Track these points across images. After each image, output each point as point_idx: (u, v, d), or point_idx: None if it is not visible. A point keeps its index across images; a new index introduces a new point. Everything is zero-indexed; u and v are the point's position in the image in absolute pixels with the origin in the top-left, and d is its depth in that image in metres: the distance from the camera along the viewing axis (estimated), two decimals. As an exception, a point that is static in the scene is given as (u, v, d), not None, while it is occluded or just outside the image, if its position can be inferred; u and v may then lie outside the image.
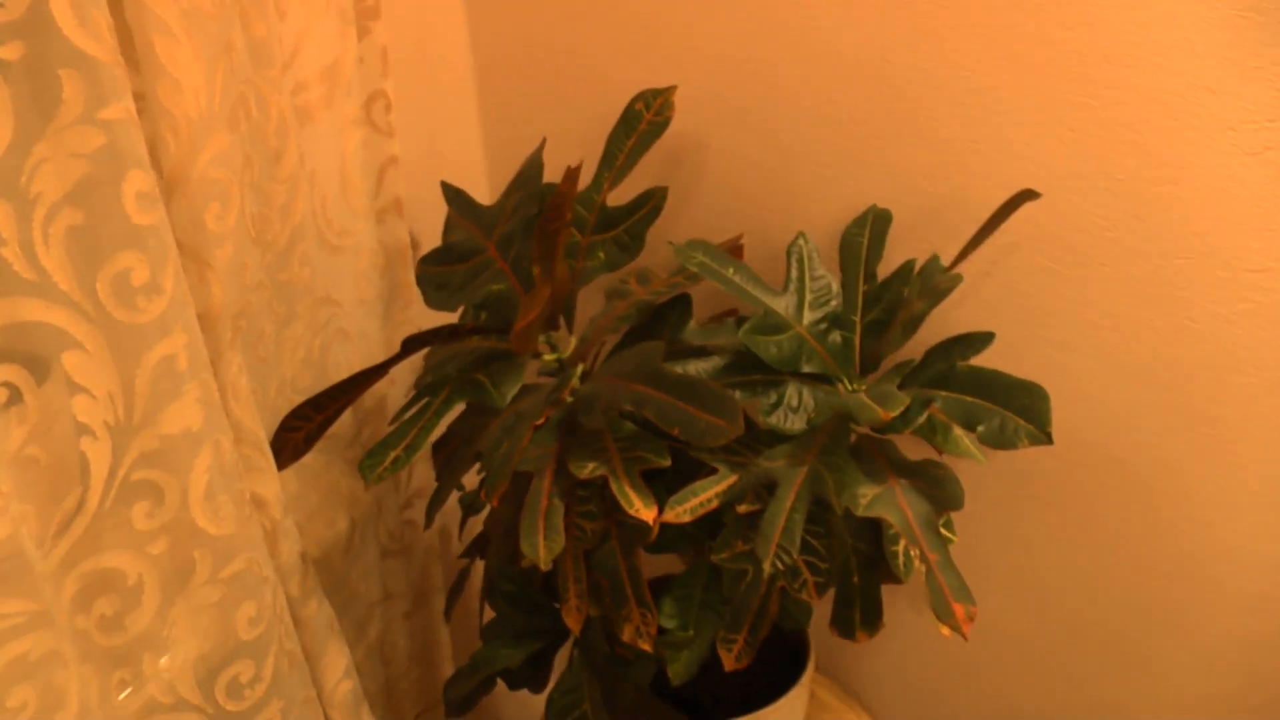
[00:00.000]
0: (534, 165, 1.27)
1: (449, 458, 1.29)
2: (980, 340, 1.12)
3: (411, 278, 1.29)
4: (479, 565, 1.42)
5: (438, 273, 1.31)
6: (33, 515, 0.82)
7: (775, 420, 1.15)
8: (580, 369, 1.27)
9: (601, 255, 1.24)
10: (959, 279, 1.06)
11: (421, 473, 1.39)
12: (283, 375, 1.12)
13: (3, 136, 0.74)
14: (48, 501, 0.84)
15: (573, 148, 1.45)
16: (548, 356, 1.23)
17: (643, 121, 1.21)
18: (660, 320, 1.29)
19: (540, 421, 1.10)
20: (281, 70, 1.02)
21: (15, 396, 0.80)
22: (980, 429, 1.05)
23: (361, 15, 1.14)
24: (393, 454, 1.08)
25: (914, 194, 1.29)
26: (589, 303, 1.42)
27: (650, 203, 1.22)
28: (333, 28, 1.07)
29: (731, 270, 1.19)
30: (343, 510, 1.23)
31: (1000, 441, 1.04)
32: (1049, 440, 1.02)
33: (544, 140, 1.33)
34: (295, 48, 1.03)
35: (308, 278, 1.11)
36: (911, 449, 1.14)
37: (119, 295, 0.83)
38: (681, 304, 1.28)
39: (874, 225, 1.26)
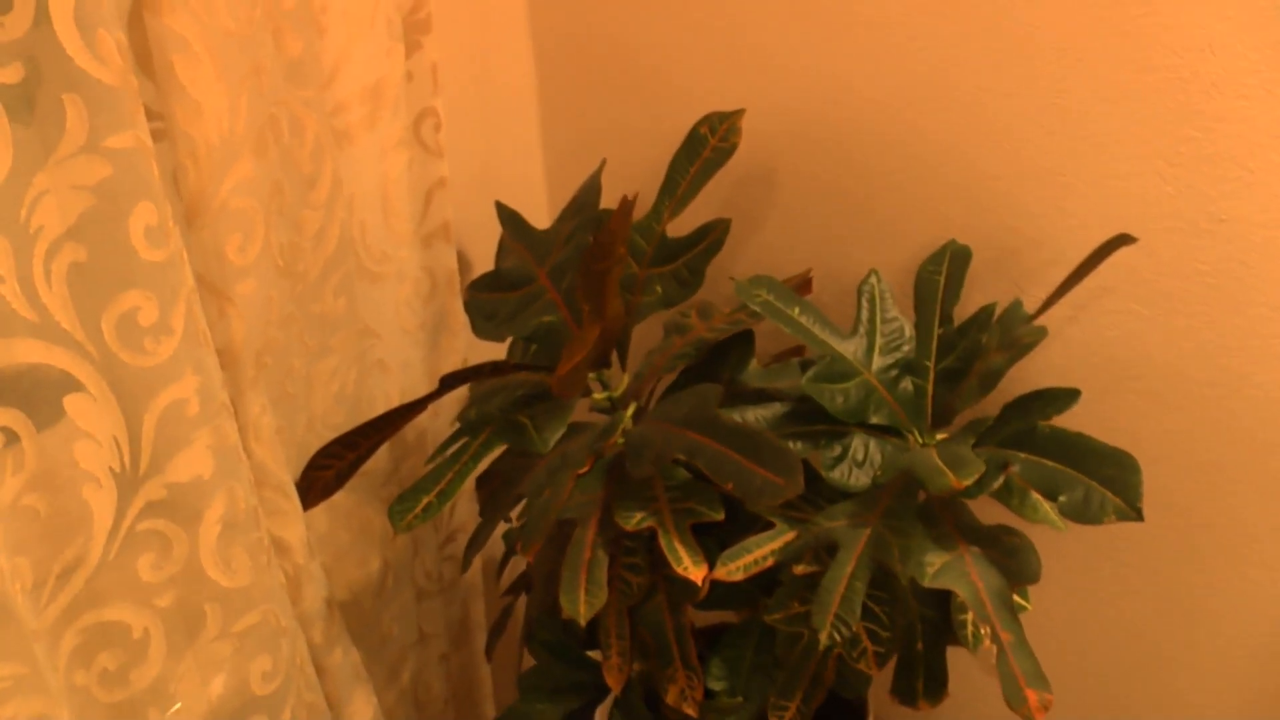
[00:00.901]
0: (591, 189, 1.20)
1: (492, 494, 1.22)
2: (1064, 398, 1.02)
3: (459, 305, 1.23)
4: (523, 600, 1.36)
5: (487, 300, 1.25)
6: (27, 568, 0.77)
7: (838, 476, 1.07)
8: (632, 409, 1.19)
9: (659, 290, 1.16)
10: (1043, 332, 0.96)
11: (464, 508, 1.33)
12: (313, 411, 1.06)
13: (1, 166, 0.68)
14: (46, 553, 0.78)
15: (637, 169, 1.37)
16: (598, 395, 1.16)
17: (707, 147, 1.13)
18: (720, 359, 1.21)
19: (584, 470, 1.03)
20: (319, 90, 0.96)
21: (12, 440, 0.74)
22: (1062, 499, 0.95)
23: (411, 30, 1.07)
24: (425, 500, 1.01)
25: (996, 230, 1.19)
26: (647, 334, 1.34)
27: (711, 235, 1.14)
28: (378, 44, 1.01)
29: (797, 310, 1.10)
30: (375, 550, 1.17)
31: (1084, 515, 0.94)
32: (1138, 517, 0.92)
33: (603, 162, 1.25)
34: (336, 66, 0.97)
35: (343, 309, 1.05)
36: (984, 509, 1.05)
37: (125, 336, 0.77)
38: (743, 342, 1.20)
39: (951, 263, 1.17)
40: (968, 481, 0.91)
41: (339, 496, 1.08)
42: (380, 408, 1.13)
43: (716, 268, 1.26)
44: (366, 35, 1.00)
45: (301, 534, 1.01)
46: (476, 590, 1.38)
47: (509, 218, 1.29)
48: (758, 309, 1.08)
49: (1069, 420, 1.02)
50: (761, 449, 1.00)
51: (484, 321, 1.24)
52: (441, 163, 1.14)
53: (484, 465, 1.03)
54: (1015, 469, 1.00)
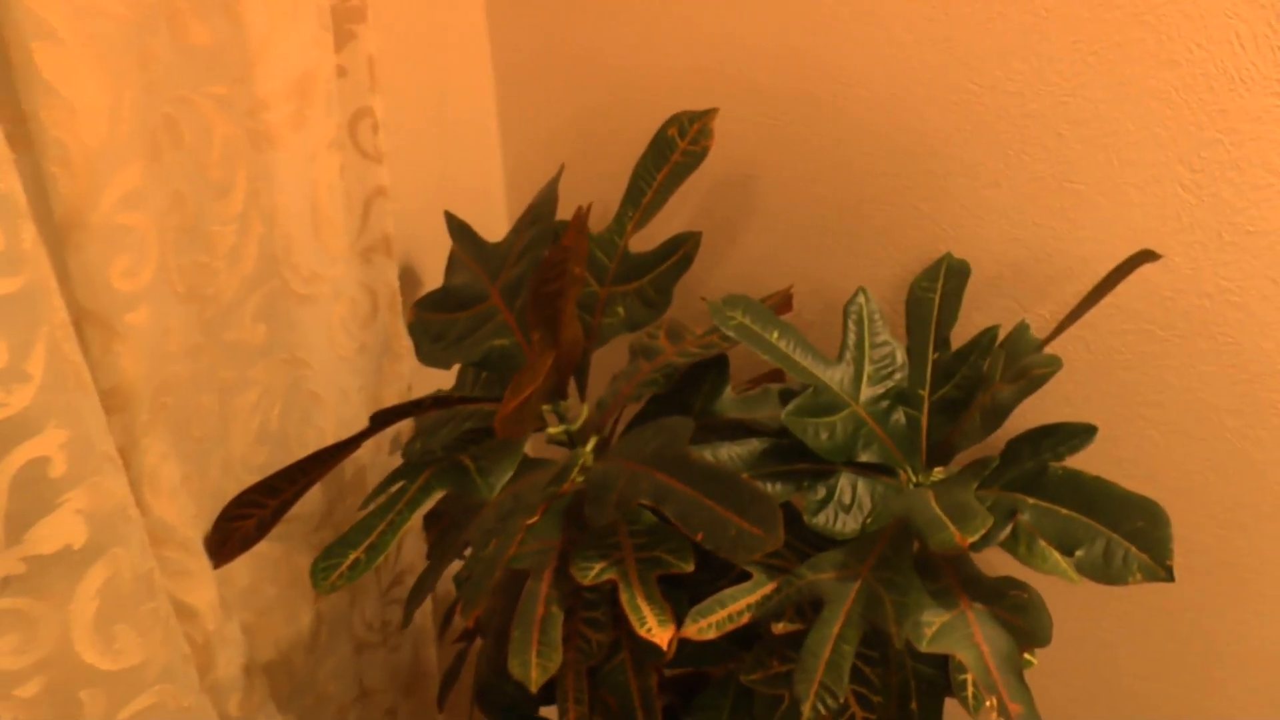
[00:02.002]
0: (547, 198, 1.08)
1: (441, 535, 1.10)
2: (1079, 435, 0.90)
3: (403, 327, 1.10)
4: (479, 645, 1.23)
5: (434, 321, 1.12)
6: None
7: (822, 521, 0.95)
8: (593, 443, 1.07)
9: (621, 311, 1.04)
10: (1057, 363, 0.85)
11: (412, 547, 1.20)
12: (230, 453, 0.93)
13: None
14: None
15: (607, 172, 1.24)
16: (553, 429, 1.03)
17: (676, 151, 1.01)
18: (692, 387, 1.09)
19: (533, 519, 0.91)
20: (233, 85, 0.84)
21: None
22: (1079, 554, 0.84)
23: (343, 18, 0.95)
24: (352, 555, 0.89)
25: (998, 243, 1.08)
26: (610, 357, 1.22)
27: (680, 250, 1.02)
28: (306, 31, 0.88)
29: (776, 334, 0.99)
30: (306, 603, 1.04)
31: (1105, 572, 0.83)
32: (1169, 576, 0.81)
33: (562, 168, 1.13)
34: (253, 57, 0.84)
35: (265, 335, 0.92)
36: (985, 554, 0.94)
37: (-37, 386, 0.64)
38: (717, 368, 1.08)
39: (948, 279, 1.05)
40: (974, 538, 0.79)
41: (263, 545, 0.95)
42: (313, 445, 1.01)
43: (687, 285, 1.14)
44: (291, 21, 0.88)
45: (210, 597, 0.89)
46: (427, 635, 1.26)
47: (459, 229, 1.16)
48: (731, 333, 0.96)
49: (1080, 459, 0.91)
50: (738, 495, 0.88)
51: (430, 344, 1.12)
52: (381, 169, 1.01)
53: (422, 512, 0.90)
54: (1025, 517, 0.88)
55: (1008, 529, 0.88)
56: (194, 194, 0.83)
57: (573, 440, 1.06)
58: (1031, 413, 1.08)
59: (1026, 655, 1.02)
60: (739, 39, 1.13)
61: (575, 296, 0.90)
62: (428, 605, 1.27)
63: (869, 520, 0.93)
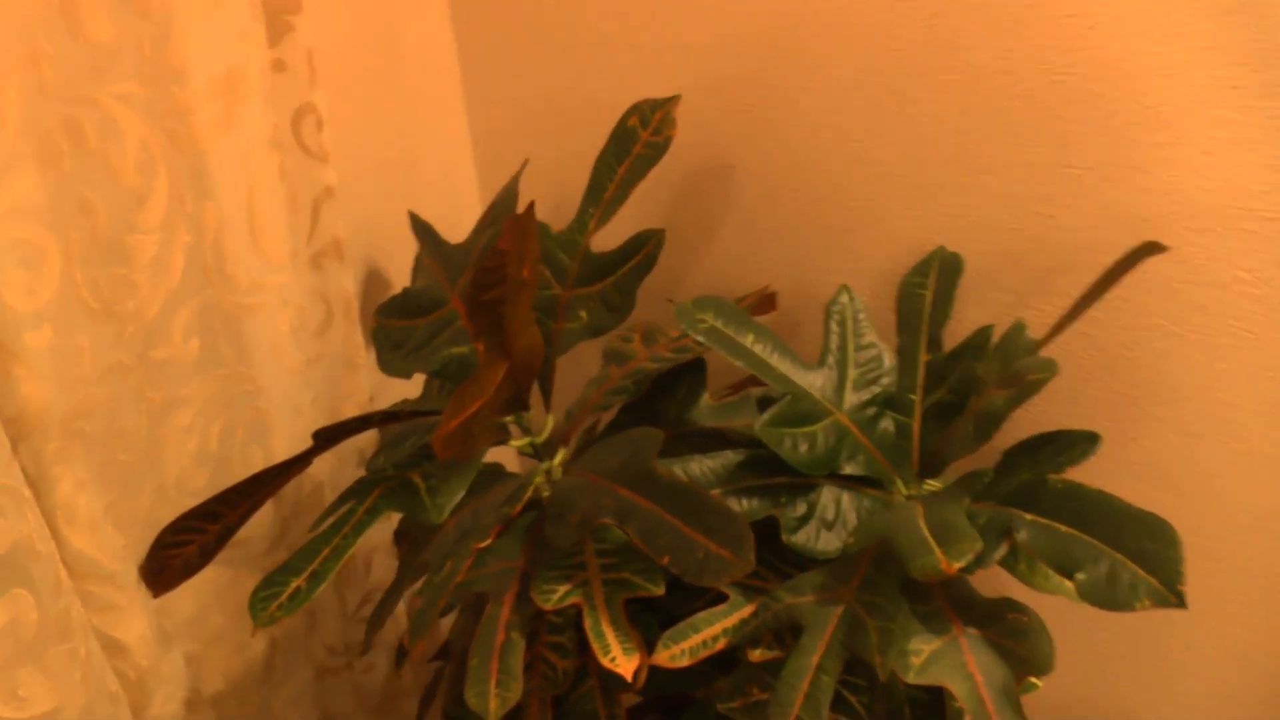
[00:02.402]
0: (507, 196, 1.01)
1: (405, 555, 1.04)
2: (1081, 444, 0.82)
3: (359, 336, 1.04)
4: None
5: (395, 328, 1.06)
6: None
7: (802, 540, 0.88)
8: (561, 456, 1.00)
9: (584, 315, 0.97)
10: (1052, 368, 0.77)
11: (384, 563, 1.14)
12: (164, 478, 0.87)
13: None
14: None
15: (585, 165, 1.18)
16: (517, 442, 0.97)
17: (638, 142, 0.94)
18: (666, 393, 1.02)
19: (485, 542, 0.84)
20: (146, 84, 0.77)
21: None
22: (1080, 576, 0.76)
23: (277, 9, 0.88)
24: (294, 583, 0.83)
25: (994, 233, 1.00)
26: (580, 363, 1.15)
27: (642, 251, 0.95)
28: (231, 24, 0.82)
29: (751, 337, 0.91)
30: (259, 631, 0.98)
31: (1109, 597, 0.75)
32: (1181, 603, 0.73)
33: (524, 163, 1.06)
34: (170, 54, 0.78)
35: (198, 351, 0.86)
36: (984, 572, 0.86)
37: None
38: (693, 373, 1.01)
39: (941, 274, 0.98)
40: (960, 564, 0.72)
41: (208, 572, 0.89)
42: (260, 464, 0.95)
43: (664, 285, 1.07)
44: (212, 14, 0.81)
45: (141, 631, 0.83)
46: (392, 645, 1.20)
47: (421, 229, 1.10)
48: (700, 338, 0.89)
49: (1083, 471, 0.83)
50: (706, 514, 0.82)
51: (390, 353, 1.05)
52: (327, 168, 0.95)
53: (364, 537, 0.84)
54: (1022, 536, 0.80)
55: (1002, 549, 0.80)
56: (106, 202, 0.76)
57: (539, 453, 0.99)
58: (1034, 415, 1.01)
59: (1031, 679, 0.94)
60: (709, 21, 1.06)
61: (527, 301, 0.83)
62: (403, 622, 1.21)
63: (849, 541, 0.86)
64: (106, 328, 0.79)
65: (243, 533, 0.93)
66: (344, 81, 1.08)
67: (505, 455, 1.02)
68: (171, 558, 0.87)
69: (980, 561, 0.80)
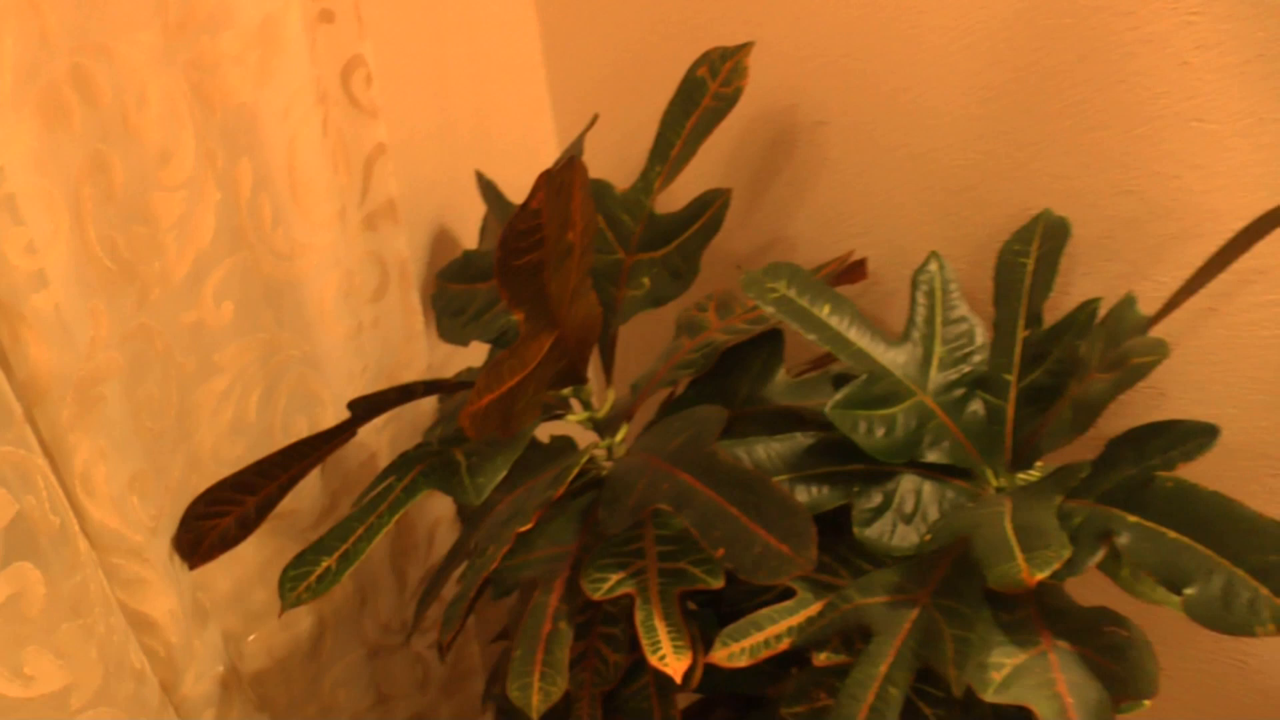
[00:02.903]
0: (571, 152, 0.94)
1: (462, 532, 0.99)
2: (1197, 437, 0.72)
3: (416, 302, 0.99)
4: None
5: (456, 293, 1.00)
6: None
7: (875, 534, 0.80)
8: (623, 433, 0.94)
9: (646, 282, 0.90)
10: (1162, 350, 0.67)
11: (446, 538, 1.09)
12: (198, 448, 0.84)
13: None
14: None
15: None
16: (574, 417, 0.91)
17: (707, 94, 0.87)
18: (740, 366, 0.94)
19: (527, 526, 0.78)
20: (167, 34, 0.72)
21: None
22: (1190, 591, 0.66)
23: (321, -47, 0.83)
24: (325, 564, 0.78)
25: (1107, 196, 0.89)
26: (657, 329, 1.08)
27: (707, 212, 0.87)
28: (267, -30, 0.77)
29: (827, 309, 0.83)
30: (305, 607, 0.95)
31: (1223, 618, 0.65)
32: (1311, 629, 0.63)
33: (594, 118, 0.99)
34: (199, 2, 0.73)
35: (232, 315, 0.82)
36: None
37: None
38: (770, 346, 0.93)
39: (1045, 240, 0.88)
40: (1042, 574, 0.63)
41: (248, 546, 0.86)
42: (305, 434, 0.90)
43: (746, 249, 0.99)
44: (251, -43, 0.76)
45: (170, 606, 0.79)
46: (469, 632, 1.15)
47: (486, 188, 1.04)
48: (770, 308, 0.82)
49: (1198, 468, 0.73)
50: (765, 503, 0.74)
51: (450, 319, 1.00)
52: (378, 124, 0.90)
53: (425, 509, 0.79)
54: (1122, 540, 0.71)
55: (1098, 554, 0.71)
56: (124, 159, 0.72)
57: (600, 429, 0.93)
58: (1145, 401, 0.90)
59: (1133, 701, 0.85)
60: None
61: (578, 267, 0.77)
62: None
63: (925, 538, 0.78)
64: (127, 289, 0.75)
65: (288, 505, 0.90)
66: (408, 33, 1.03)
67: (577, 429, 0.96)
68: (208, 529, 0.84)
69: (1071, 569, 0.70)
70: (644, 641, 0.78)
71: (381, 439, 1.00)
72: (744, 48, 0.86)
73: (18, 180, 0.63)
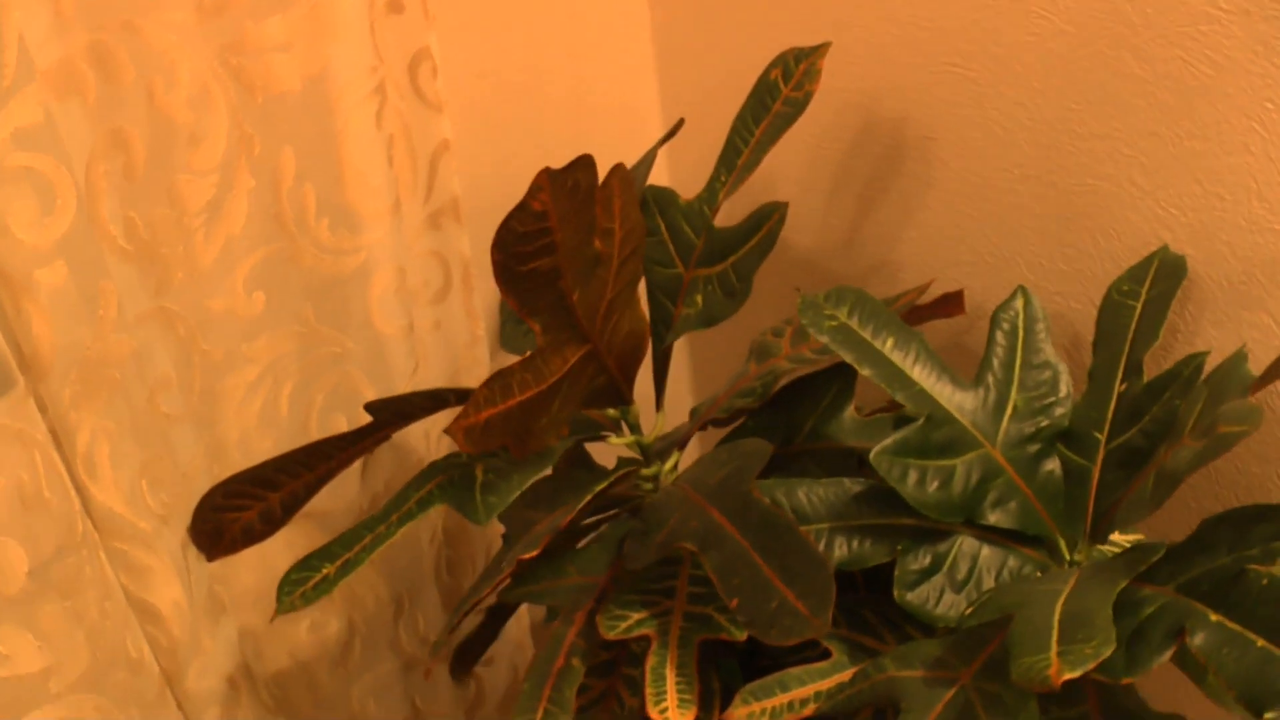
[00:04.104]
0: (643, 165, 0.89)
1: (500, 549, 0.94)
2: (1304, 527, 0.60)
3: (477, 305, 0.95)
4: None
5: (526, 298, 0.96)
6: None
7: (917, 600, 0.70)
8: (673, 461, 0.87)
9: (699, 300, 0.83)
10: (1255, 419, 0.56)
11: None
12: (222, 437, 0.82)
13: None
14: None
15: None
16: (617, 440, 0.85)
17: (779, 99, 0.79)
18: (809, 398, 0.87)
19: (532, 553, 0.73)
20: (206, 15, 0.70)
21: None
22: (1272, 716, 0.55)
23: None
24: (324, 571, 0.75)
25: (1246, 233, 0.77)
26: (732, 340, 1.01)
27: (764, 228, 0.80)
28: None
29: (890, 343, 0.74)
30: (334, 609, 0.92)
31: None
32: None
33: (679, 123, 0.93)
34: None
35: (264, 305, 0.79)
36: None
37: None
38: (842, 379, 0.85)
39: (1158, 280, 0.77)
40: (1073, 674, 0.53)
41: (276, 543, 0.84)
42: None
43: (835, 271, 0.90)
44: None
45: (175, 597, 0.78)
46: (524, 648, 1.11)
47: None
48: (824, 337, 0.73)
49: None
50: (790, 553, 0.67)
51: (513, 327, 0.96)
52: (443, 119, 0.86)
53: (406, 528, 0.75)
54: (1198, 640, 0.59)
55: (1166, 653, 0.60)
56: (147, 138, 0.71)
57: (648, 457, 0.86)
58: (1234, 476, 0.78)
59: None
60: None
61: (614, 278, 0.71)
62: (526, 618, 1.12)
63: (966, 610, 0.68)
64: (146, 271, 0.74)
65: (322, 505, 0.87)
66: (508, 27, 1.00)
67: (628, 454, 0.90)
68: (229, 522, 0.82)
69: (1132, 668, 0.60)
70: (648, 690, 0.72)
71: (432, 444, 0.96)
72: (820, 49, 0.78)
73: (24, 153, 0.63)
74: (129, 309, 0.73)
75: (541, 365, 0.70)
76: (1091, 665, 0.54)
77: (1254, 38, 0.73)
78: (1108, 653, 0.54)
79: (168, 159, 0.72)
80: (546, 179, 0.61)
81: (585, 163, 0.63)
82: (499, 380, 0.67)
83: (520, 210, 0.60)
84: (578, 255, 0.67)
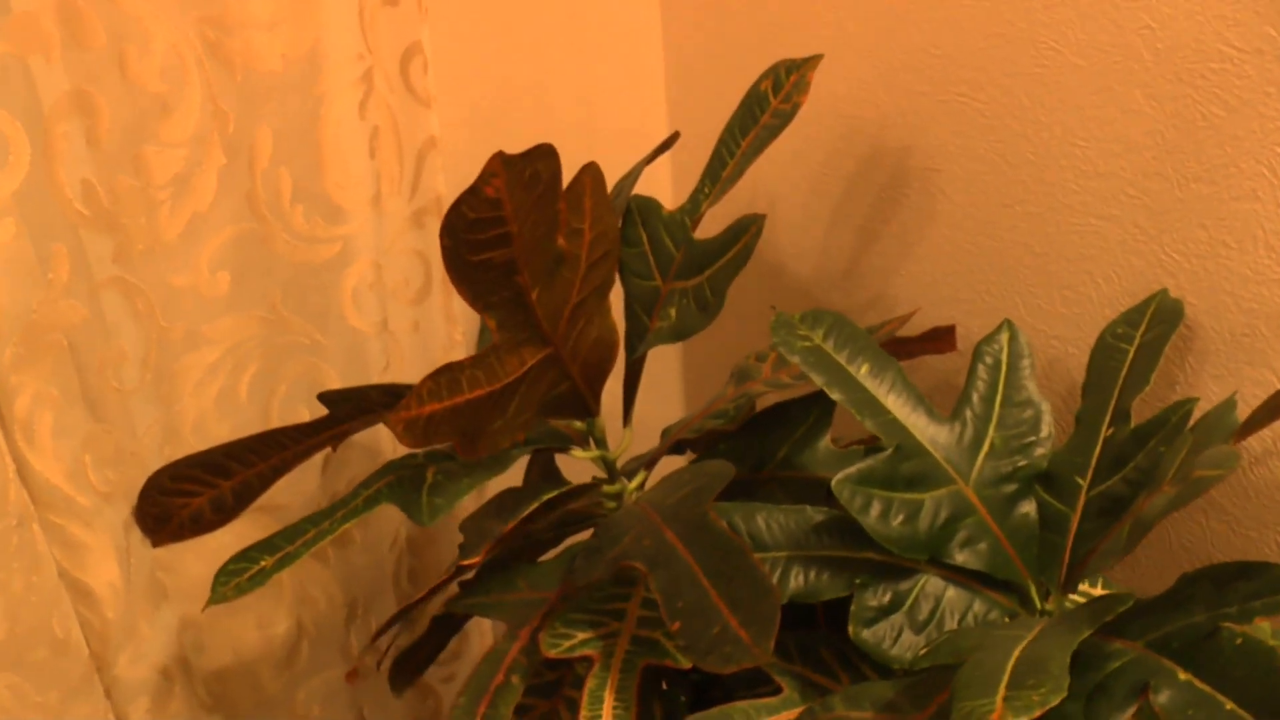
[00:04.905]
0: (632, 171, 0.86)
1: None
2: (1281, 586, 0.56)
3: (456, 310, 0.92)
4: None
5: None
6: None
7: (872, 638, 0.67)
8: (639, 480, 0.84)
9: (672, 314, 0.81)
10: (1230, 462, 0.52)
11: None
12: (177, 418, 0.79)
13: None
14: None
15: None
16: (580, 453, 0.82)
17: (767, 110, 0.77)
18: (785, 425, 0.83)
19: (474, 560, 0.69)
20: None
21: None
22: (1233, 781, 0.51)
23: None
24: (261, 562, 0.72)
25: (1251, 283, 0.74)
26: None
27: (740, 241, 0.77)
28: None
29: (865, 369, 0.71)
30: (283, 607, 0.88)
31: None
32: None
33: (674, 135, 0.91)
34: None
35: (228, 287, 0.77)
36: None
37: None
38: (820, 407, 0.81)
39: (1152, 325, 0.73)
40: None
41: (226, 535, 0.81)
42: (307, 423, 0.85)
43: (832, 296, 0.87)
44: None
45: (110, 578, 0.75)
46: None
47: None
48: (795, 358, 0.70)
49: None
50: (737, 577, 0.64)
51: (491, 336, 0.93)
52: (430, 115, 0.85)
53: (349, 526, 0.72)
54: (1162, 699, 0.55)
55: (1126, 712, 0.56)
56: (113, 104, 0.69)
57: (612, 473, 0.83)
58: (1219, 536, 0.74)
59: None
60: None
61: (581, 281, 0.68)
62: (490, 636, 1.08)
63: (919, 653, 0.64)
64: (102, 238, 0.72)
65: (279, 499, 0.85)
66: (513, 27, 0.98)
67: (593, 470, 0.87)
68: (178, 507, 0.79)
69: (1096, 714, 0.56)
70: (583, 712, 0.68)
71: (399, 447, 0.93)
72: (811, 60, 0.76)
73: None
74: (83, 276, 0.71)
75: (496, 364, 0.67)
76: (1037, 713, 0.50)
77: (1267, 79, 0.70)
78: (1055, 701, 0.50)
79: (137, 128, 0.71)
80: (500, 164, 0.58)
81: (544, 151, 0.60)
82: (446, 374, 0.65)
83: (471, 194, 0.58)
84: (537, 251, 0.64)
